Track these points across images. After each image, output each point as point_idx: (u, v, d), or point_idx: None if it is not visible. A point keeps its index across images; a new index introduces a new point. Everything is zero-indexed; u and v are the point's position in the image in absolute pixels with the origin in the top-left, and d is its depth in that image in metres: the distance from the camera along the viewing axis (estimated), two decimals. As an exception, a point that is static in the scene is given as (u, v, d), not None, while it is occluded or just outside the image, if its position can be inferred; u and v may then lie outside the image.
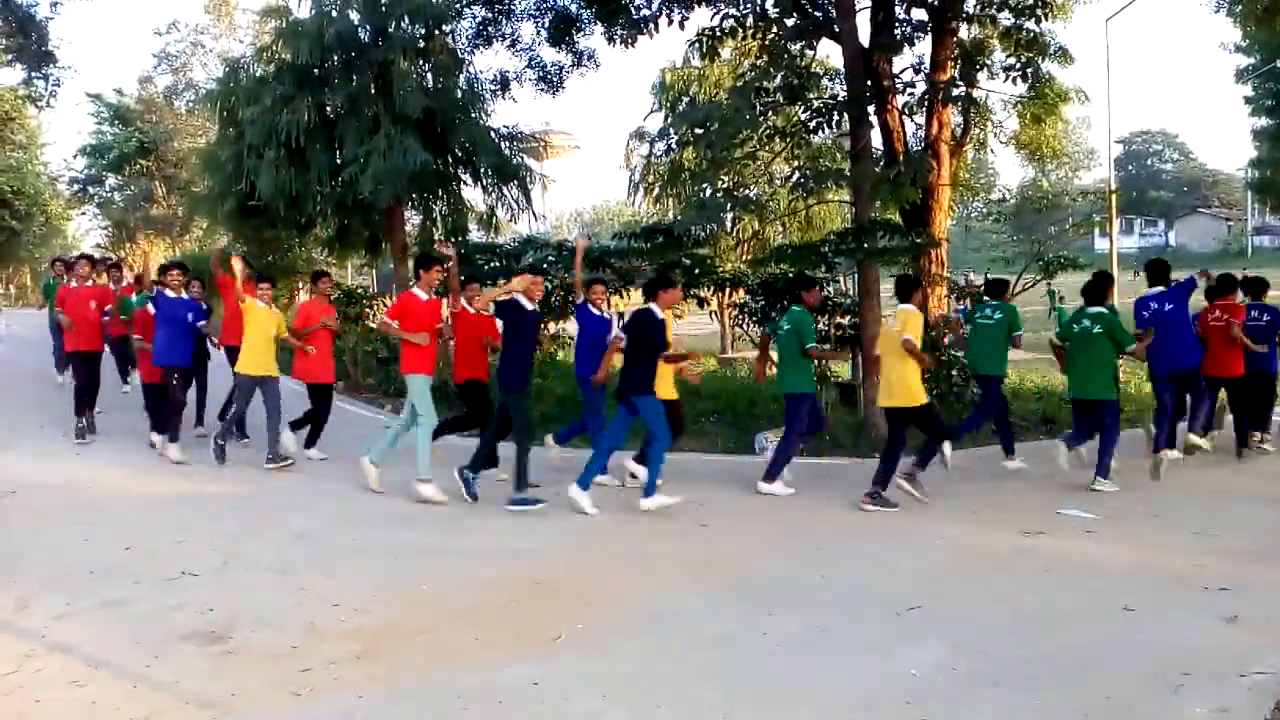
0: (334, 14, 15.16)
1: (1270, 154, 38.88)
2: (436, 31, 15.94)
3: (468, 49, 16.82)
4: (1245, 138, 70.59)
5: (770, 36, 13.23)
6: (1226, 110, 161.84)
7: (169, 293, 10.10)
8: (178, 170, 40.87)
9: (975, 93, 13.88)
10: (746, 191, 19.38)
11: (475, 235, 17.17)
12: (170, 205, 42.38)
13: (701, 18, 35.49)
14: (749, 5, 13.12)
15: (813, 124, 12.97)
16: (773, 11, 12.97)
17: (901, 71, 13.66)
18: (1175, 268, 9.98)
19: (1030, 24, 12.92)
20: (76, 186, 45.23)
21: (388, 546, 7.03)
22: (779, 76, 12.85)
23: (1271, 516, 7.72)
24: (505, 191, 16.80)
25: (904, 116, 13.77)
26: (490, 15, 16.58)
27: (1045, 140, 15.66)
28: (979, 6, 13.62)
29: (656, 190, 26.82)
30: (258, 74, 16.22)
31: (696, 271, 12.69)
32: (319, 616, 5.50)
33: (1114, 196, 20.82)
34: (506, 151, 16.53)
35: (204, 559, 6.62)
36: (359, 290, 18.60)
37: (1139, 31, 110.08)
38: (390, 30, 15.36)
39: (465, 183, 16.82)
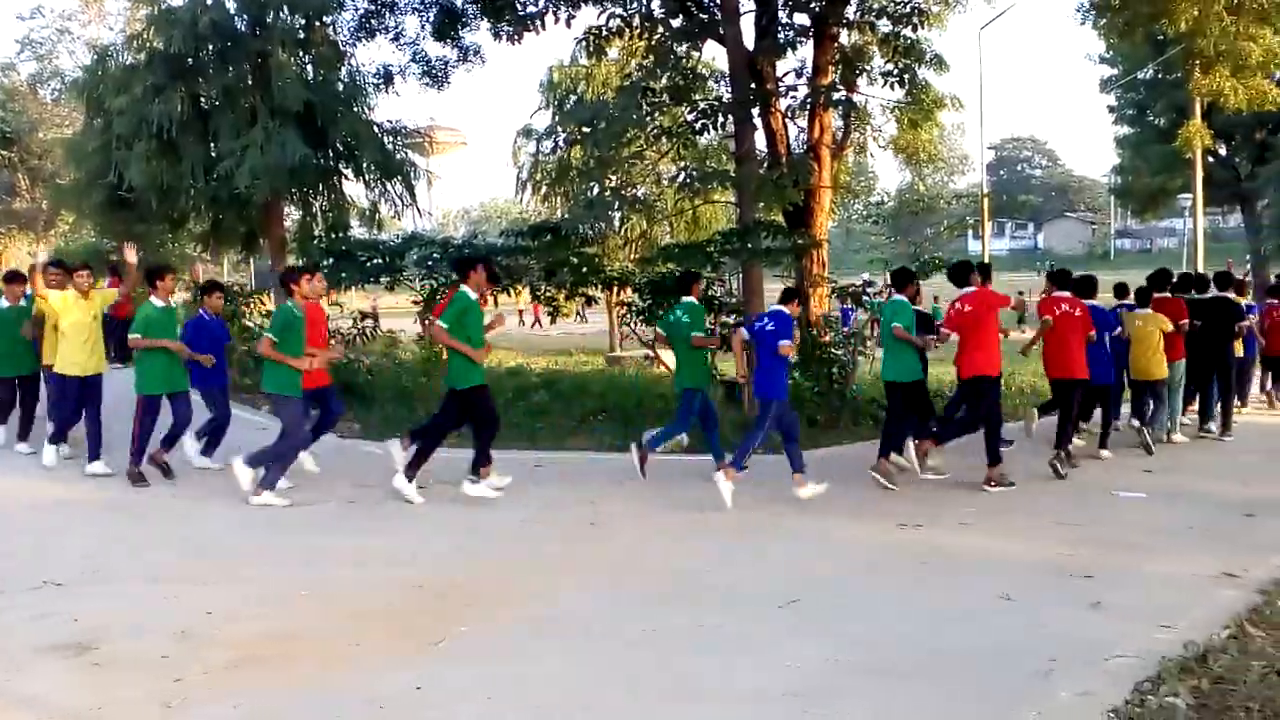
0: (209, 2, 14.68)
1: (1131, 161, 40.78)
2: (317, 23, 15.60)
3: (350, 41, 16.48)
4: (1109, 145, 74.39)
5: (656, 37, 13.31)
6: (1092, 119, 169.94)
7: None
8: (42, 162, 38.99)
9: (855, 97, 14.22)
10: (634, 191, 19.45)
11: (357, 231, 16.84)
12: (34, 198, 40.41)
13: (589, 16, 35.41)
14: (635, 5, 13.18)
15: (698, 125, 13.09)
16: (659, 12, 13.06)
17: (784, 75, 13.91)
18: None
19: (907, 32, 13.30)
20: (-69, 178, 42.73)
21: (268, 551, 6.85)
22: (665, 77, 12.95)
23: (1132, 508, 8.11)
24: (389, 187, 16.54)
25: (787, 119, 14.01)
26: (373, 8, 16.24)
27: (922, 145, 16.13)
28: (859, 13, 13.95)
29: (544, 188, 26.73)
30: (127, 62, 15.63)
31: (584, 270, 12.67)
32: (193, 624, 5.31)
33: (986, 200, 21.61)
34: (390, 147, 16.27)
35: (71, 567, 6.34)
36: (235, 288, 18.04)
37: (1011, 41, 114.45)
38: (268, 20, 14.95)
39: (347, 178, 16.52)
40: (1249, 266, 37.81)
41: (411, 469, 8.24)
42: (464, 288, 8.18)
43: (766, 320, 8.51)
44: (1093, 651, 4.81)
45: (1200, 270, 20.21)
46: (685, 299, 9.38)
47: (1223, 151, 38.40)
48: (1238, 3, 13.76)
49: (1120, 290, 11.20)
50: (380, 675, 4.67)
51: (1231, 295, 11.49)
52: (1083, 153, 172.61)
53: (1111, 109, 40.30)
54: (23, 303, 10.00)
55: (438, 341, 8.12)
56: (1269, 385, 13.32)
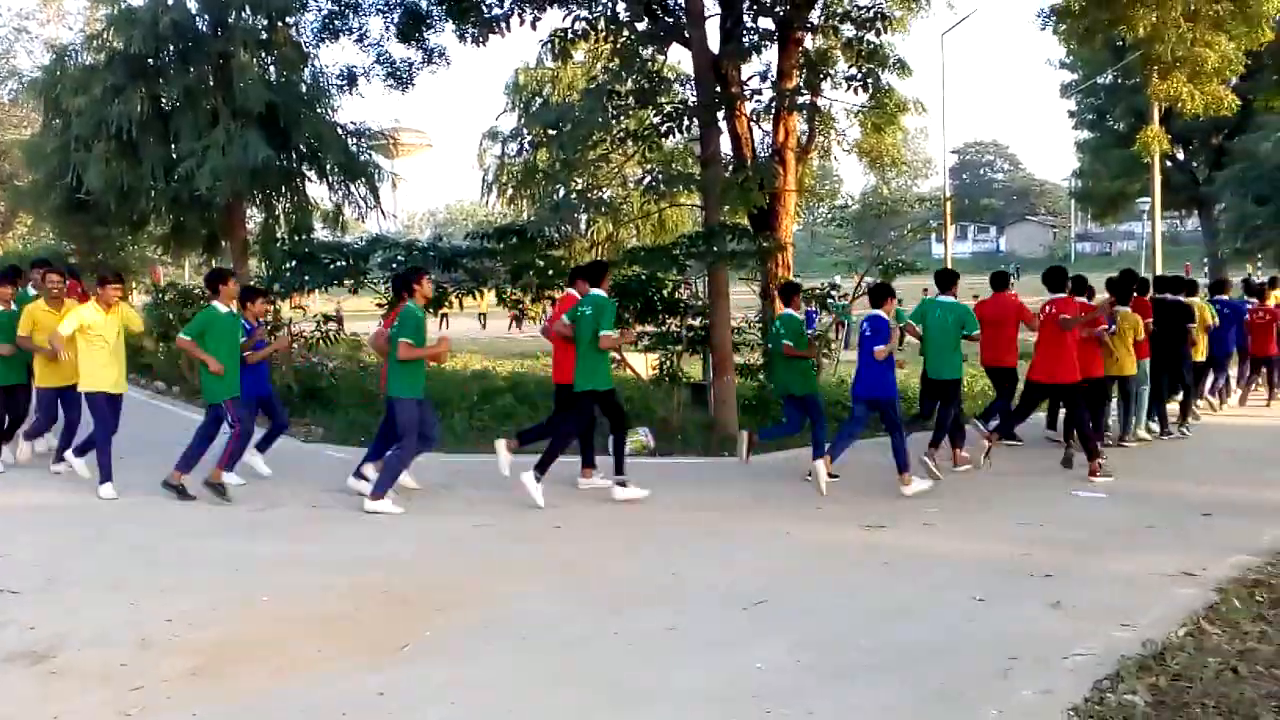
0: (170, 2, 14.51)
1: (1091, 165, 41.40)
2: (280, 23, 15.43)
3: (313, 42, 16.33)
4: (1069, 150, 75.52)
5: (622, 40, 13.31)
6: (1053, 123, 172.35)
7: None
8: (-1, 163, 38.39)
9: (819, 101, 14.31)
10: (600, 194, 19.45)
11: (321, 234, 16.72)
12: (-9, 201, 39.76)
13: (554, 19, 35.33)
14: (600, 8, 13.18)
15: (664, 128, 13.11)
16: (624, 15, 13.06)
17: (749, 79, 13.96)
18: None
19: (871, 36, 13.39)
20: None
21: (230, 558, 6.75)
22: (630, 80, 12.95)
23: (1092, 507, 8.21)
24: (352, 189, 16.40)
25: (752, 123, 14.07)
26: (336, 8, 16.10)
27: (885, 149, 16.26)
28: (823, 18, 14.03)
29: (510, 191, 26.67)
30: (86, 62, 15.39)
31: (550, 273, 12.64)
32: (152, 632, 5.24)
33: (949, 204, 21.80)
34: (354, 148, 16.15)
35: (27, 575, 6.24)
36: (197, 291, 17.84)
37: (973, 46, 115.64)
38: (230, 21, 14.78)
39: (310, 179, 16.34)
40: (1206, 269, 38.46)
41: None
42: (599, 291, 8.32)
43: (865, 326, 8.78)
44: (1053, 650, 4.87)
45: (1159, 273, 20.57)
46: (784, 310, 9.67)
47: (1181, 156, 39.04)
48: (1194, 10, 14.00)
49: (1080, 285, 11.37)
50: (343, 681, 4.63)
51: (1184, 298, 11.75)
52: (1044, 157, 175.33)
53: (1072, 114, 40.89)
54: (14, 307, 9.40)
55: (607, 347, 8.31)
56: (1259, 380, 14.17)
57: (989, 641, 5.05)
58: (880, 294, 8.95)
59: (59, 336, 8.44)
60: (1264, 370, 14.09)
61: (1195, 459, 10.30)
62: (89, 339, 8.44)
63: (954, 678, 4.62)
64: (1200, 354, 12.22)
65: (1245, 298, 14.41)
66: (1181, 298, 11.76)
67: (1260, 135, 35.71)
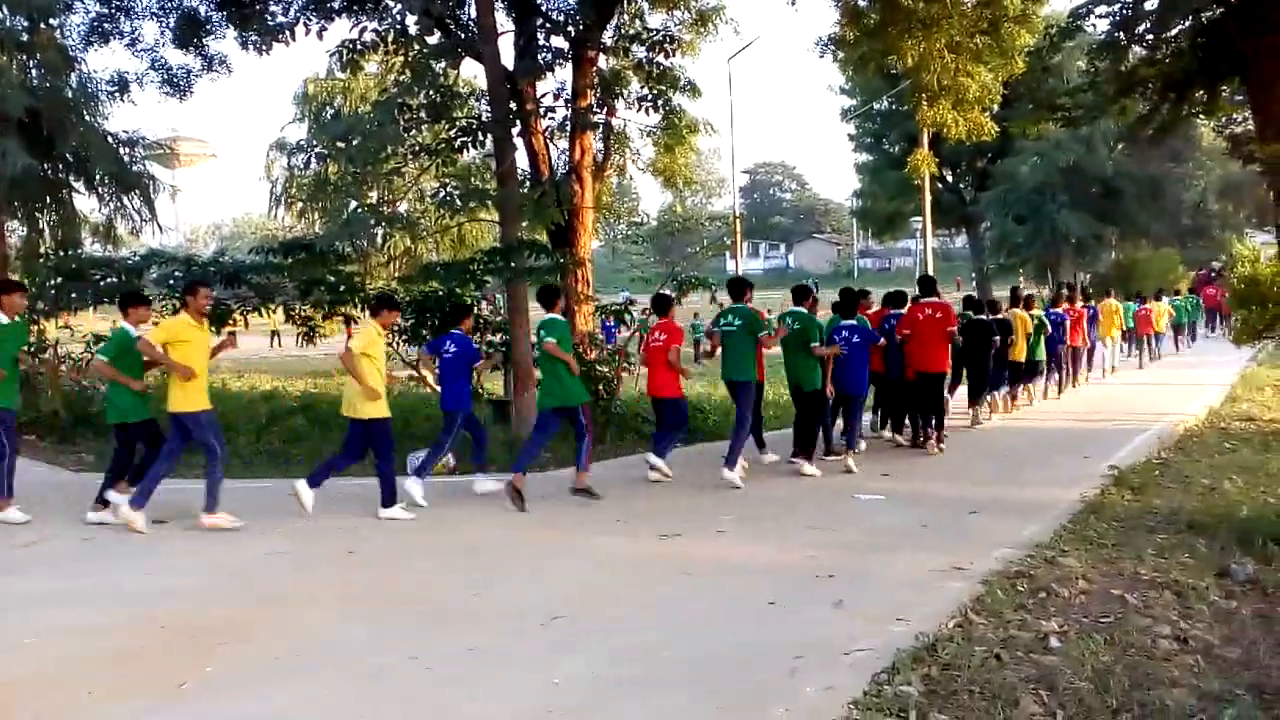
0: (-87, -4, 13.39)
1: (870, 186, 43.84)
2: (42, 25, 14.48)
3: (81, 46, 15.40)
4: (851, 171, 79.64)
5: (413, 54, 13.15)
6: (835, 146, 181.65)
7: None
8: None
9: (614, 121, 14.56)
10: (395, 208, 19.11)
11: (92, 248, 15.73)
12: None
13: (343, 29, 34.38)
14: (389, 21, 12.98)
15: (458, 143, 13.04)
16: (414, 29, 12.91)
17: (544, 96, 14.07)
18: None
19: (661, 58, 13.77)
20: None
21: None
22: (423, 94, 12.82)
23: (872, 510, 8.66)
24: (125, 201, 15.56)
25: (549, 140, 14.17)
26: (106, 11, 15.24)
27: (678, 168, 16.70)
28: (615, 39, 14.31)
29: (300, 204, 25.86)
30: None
31: (342, 289, 12.31)
32: (-107, 686, 4.77)
33: (739, 222, 22.58)
34: (127, 158, 15.31)
35: None
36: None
37: (763, 71, 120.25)
38: (-16, 20, 13.78)
39: (78, 191, 15.41)
40: (975, 284, 41.32)
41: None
42: (802, 309, 10.15)
43: (847, 333, 10.20)
44: (835, 647, 5.09)
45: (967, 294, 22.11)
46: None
47: (949, 178, 41.85)
48: (957, 43, 15.09)
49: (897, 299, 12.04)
50: (116, 725, 4.35)
51: (1003, 313, 13.43)
52: (828, 177, 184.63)
53: (852, 137, 43.19)
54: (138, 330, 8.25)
55: (823, 356, 9.98)
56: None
57: (778, 643, 5.23)
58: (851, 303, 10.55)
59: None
60: (1070, 360, 16.16)
61: (966, 460, 10.99)
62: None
63: (746, 680, 4.77)
64: (1020, 355, 13.65)
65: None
66: (996, 314, 13.24)
67: (1019, 160, 38.78)
